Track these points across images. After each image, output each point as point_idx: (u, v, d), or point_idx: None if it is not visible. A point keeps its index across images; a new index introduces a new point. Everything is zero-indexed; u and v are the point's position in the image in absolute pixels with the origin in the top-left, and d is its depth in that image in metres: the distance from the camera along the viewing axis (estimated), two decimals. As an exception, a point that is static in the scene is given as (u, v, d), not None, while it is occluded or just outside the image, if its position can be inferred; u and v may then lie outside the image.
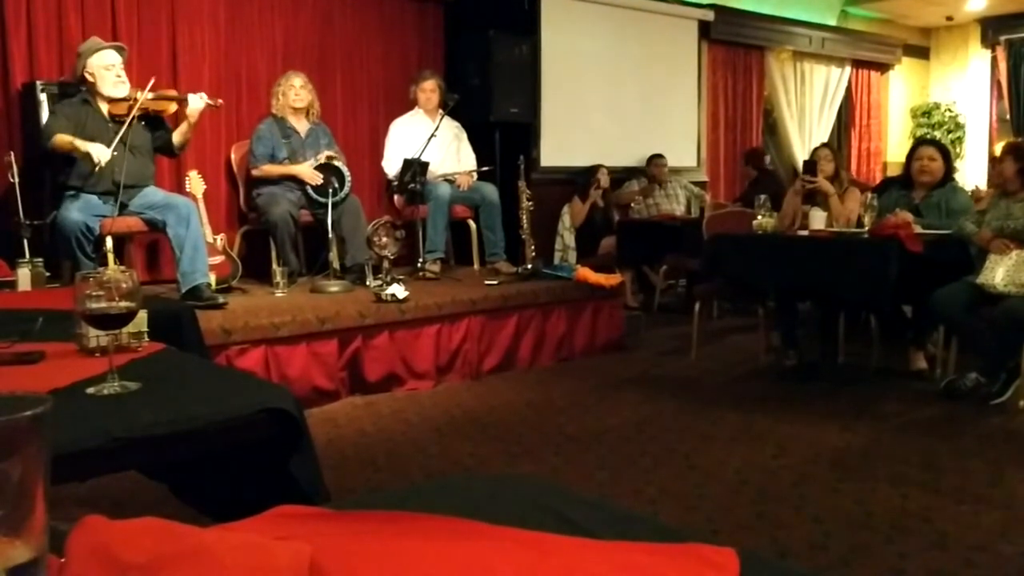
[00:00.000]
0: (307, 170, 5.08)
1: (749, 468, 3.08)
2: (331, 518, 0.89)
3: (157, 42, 5.25)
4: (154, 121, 4.39)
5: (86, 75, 4.19)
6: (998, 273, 3.88)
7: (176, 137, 4.44)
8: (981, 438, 3.44)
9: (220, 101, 4.53)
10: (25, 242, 4.04)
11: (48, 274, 3.86)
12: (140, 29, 5.17)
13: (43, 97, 4.48)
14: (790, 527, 2.54)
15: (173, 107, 4.39)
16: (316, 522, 0.87)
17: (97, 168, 4.01)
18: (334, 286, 4.68)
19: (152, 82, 4.24)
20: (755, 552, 0.82)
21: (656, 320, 6.07)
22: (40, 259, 3.77)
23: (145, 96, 4.18)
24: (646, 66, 7.53)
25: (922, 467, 3.07)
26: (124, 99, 4.21)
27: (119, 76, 4.21)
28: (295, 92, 5.25)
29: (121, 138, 4.10)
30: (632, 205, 6.98)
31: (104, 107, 4.22)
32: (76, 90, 4.29)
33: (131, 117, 4.12)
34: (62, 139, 4.04)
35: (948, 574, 2.21)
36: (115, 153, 4.04)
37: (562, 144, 6.82)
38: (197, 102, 4.34)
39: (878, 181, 7.91)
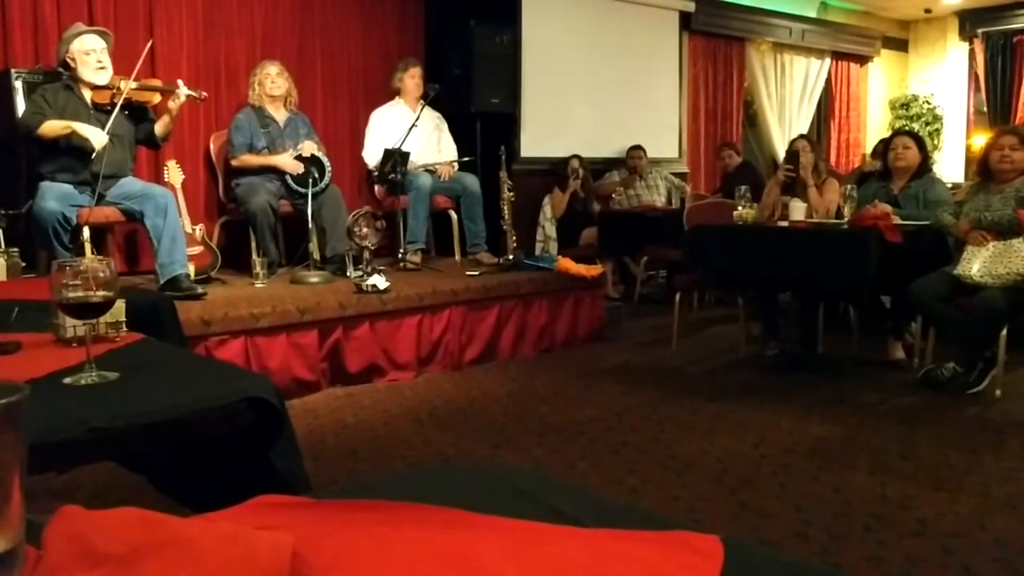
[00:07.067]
0: (288, 160, 5.04)
1: (730, 457, 3.10)
2: (313, 507, 0.88)
3: (134, 31, 5.18)
4: (138, 112, 4.33)
5: (68, 60, 4.14)
6: (975, 264, 3.91)
7: (158, 128, 4.38)
8: (958, 427, 3.48)
9: (204, 94, 4.48)
10: (0, 232, 3.98)
11: (24, 264, 3.81)
12: (116, 17, 5.09)
13: (18, 85, 4.41)
14: (771, 516, 2.55)
15: (157, 98, 4.34)
16: (298, 511, 0.87)
17: (94, 155, 3.96)
18: (314, 277, 4.65)
19: (136, 70, 4.18)
20: (739, 539, 0.82)
21: (637, 311, 6.09)
22: (16, 249, 3.71)
23: (129, 86, 4.12)
24: (627, 57, 7.53)
25: (900, 456, 3.10)
26: (107, 87, 4.16)
27: (100, 62, 4.15)
28: (271, 80, 5.22)
29: (105, 127, 4.05)
30: (613, 196, 7.00)
31: (87, 94, 4.16)
32: (57, 77, 4.23)
33: (116, 107, 4.06)
34: (54, 124, 3.98)
35: (926, 561, 2.23)
36: (110, 138, 4.00)
37: (543, 135, 6.81)
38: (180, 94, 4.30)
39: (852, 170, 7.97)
